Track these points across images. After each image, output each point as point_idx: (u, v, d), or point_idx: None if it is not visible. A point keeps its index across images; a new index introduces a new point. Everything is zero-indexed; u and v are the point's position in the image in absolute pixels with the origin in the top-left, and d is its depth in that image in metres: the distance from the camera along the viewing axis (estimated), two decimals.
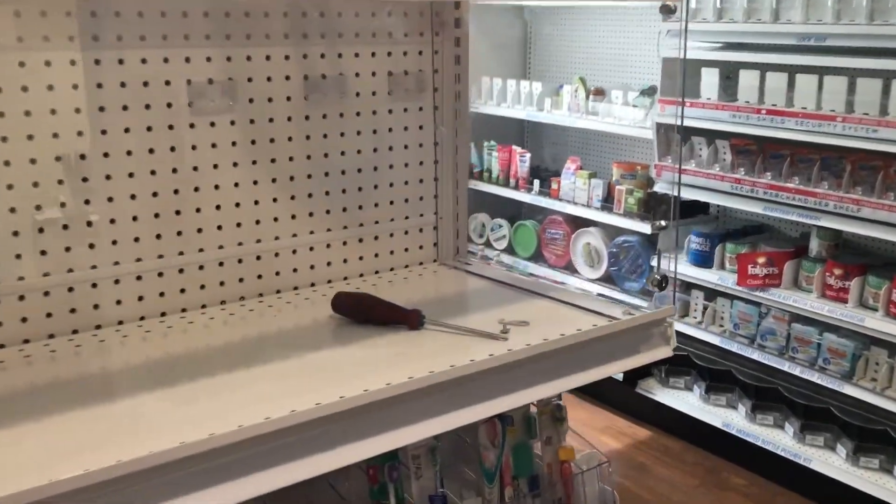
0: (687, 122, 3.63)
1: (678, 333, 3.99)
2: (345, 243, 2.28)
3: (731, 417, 3.70)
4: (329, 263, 2.25)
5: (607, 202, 4.12)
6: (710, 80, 3.54)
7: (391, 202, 2.37)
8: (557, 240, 4.45)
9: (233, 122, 2.03)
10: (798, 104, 3.28)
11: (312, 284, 2.23)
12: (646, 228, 3.93)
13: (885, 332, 3.12)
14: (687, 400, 3.86)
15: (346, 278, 2.28)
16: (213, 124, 1.99)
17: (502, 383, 1.59)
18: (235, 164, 2.05)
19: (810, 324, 3.41)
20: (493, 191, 4.71)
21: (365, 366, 1.65)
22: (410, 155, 2.40)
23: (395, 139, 2.35)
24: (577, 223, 4.35)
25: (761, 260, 3.51)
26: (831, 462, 3.35)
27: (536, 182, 4.47)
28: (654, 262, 3.93)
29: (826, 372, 3.34)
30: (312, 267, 2.22)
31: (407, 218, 2.41)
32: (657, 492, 3.52)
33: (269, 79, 2.06)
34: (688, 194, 3.75)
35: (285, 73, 2.09)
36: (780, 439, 3.52)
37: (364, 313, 1.90)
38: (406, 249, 2.43)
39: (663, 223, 3.45)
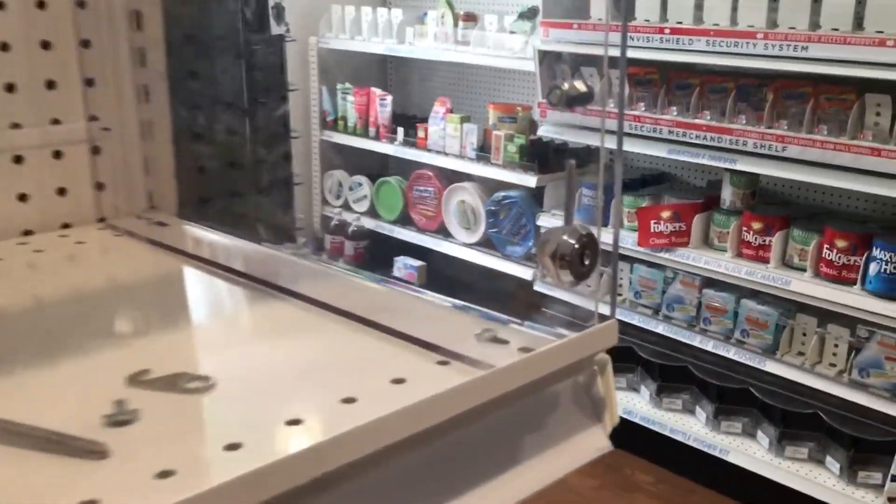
0: (574, 49, 2.97)
1: (560, 304, 3.39)
2: None
3: (632, 403, 3.11)
4: None
5: (483, 151, 3.44)
6: None
7: None
8: (427, 198, 3.75)
9: None
10: (709, 20, 2.67)
11: None
12: (529, 181, 3.28)
13: (815, 297, 2.58)
14: None
15: None
16: None
17: None
18: None
19: (725, 289, 2.84)
20: (349, 142, 3.96)
21: None
22: None
23: None
24: (450, 178, 3.65)
25: (666, 214, 2.91)
26: (751, 452, 2.81)
27: (400, 130, 3.74)
28: (539, 222, 3.29)
29: (744, 346, 2.79)
30: None
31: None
32: (549, 499, 2.89)
33: None
34: (576, 138, 3.11)
35: None
36: (690, 427, 2.96)
37: None
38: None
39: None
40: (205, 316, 0.98)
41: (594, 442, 0.83)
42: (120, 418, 0.69)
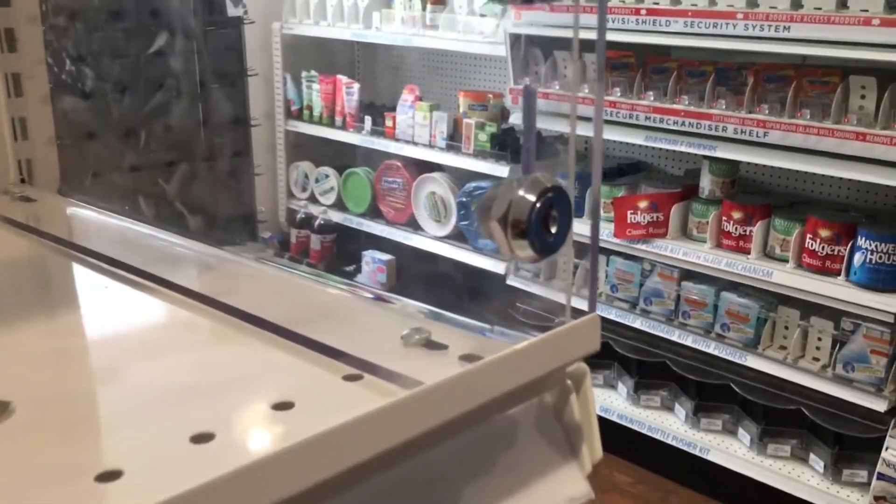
0: (546, 32, 2.84)
1: (535, 299, 3.25)
2: None
3: (609, 400, 2.99)
4: None
5: (454, 140, 3.30)
6: None
7: None
8: (396, 189, 3.60)
9: None
10: (686, 1, 2.54)
11: None
12: (502, 171, 3.15)
13: (797, 288, 2.47)
14: None
15: None
16: None
17: None
18: None
19: (704, 281, 2.73)
20: (315, 132, 3.80)
21: None
22: None
23: None
24: (420, 168, 3.51)
25: (643, 204, 2.79)
26: (732, 451, 2.71)
27: (368, 119, 3.59)
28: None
29: (724, 340, 2.67)
30: None
31: None
32: None
33: None
34: (551, 125, 2.98)
35: None
36: (669, 425, 2.85)
37: None
38: None
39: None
40: (43, 319, 0.74)
41: (568, 487, 0.59)
42: None
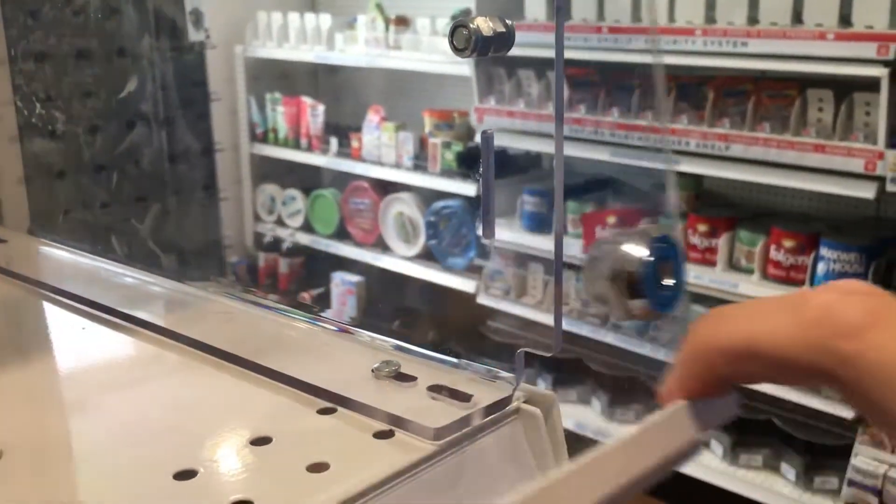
0: (511, 51, 2.85)
1: (506, 317, 3.27)
2: None
3: (584, 416, 3.00)
4: None
5: (420, 160, 3.31)
6: None
7: None
8: (363, 210, 3.59)
9: None
10: (647, 18, 2.58)
11: None
12: (468, 190, 3.16)
13: None
14: None
15: None
16: None
17: None
18: None
19: None
20: (281, 155, 3.78)
21: None
22: None
23: None
24: (387, 188, 3.50)
25: (611, 220, 2.81)
26: (705, 462, 2.72)
27: (333, 141, 3.59)
28: (480, 232, 3.16)
29: None
30: None
31: None
32: None
33: None
34: (517, 143, 3.01)
35: None
36: None
37: None
38: None
39: None
40: (13, 360, 0.73)
41: None
42: None
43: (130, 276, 0.88)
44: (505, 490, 0.62)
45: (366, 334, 0.71)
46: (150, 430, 0.58)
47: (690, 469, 2.71)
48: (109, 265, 0.91)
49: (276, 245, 3.89)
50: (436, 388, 0.60)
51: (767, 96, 2.48)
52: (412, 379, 0.62)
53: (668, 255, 0.54)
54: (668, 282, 0.53)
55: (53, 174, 1.21)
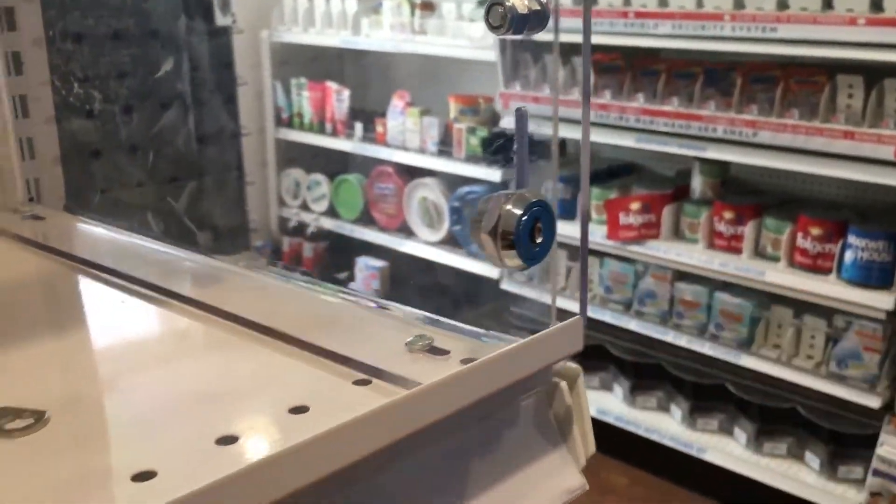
0: (537, 36, 2.84)
1: (532, 304, 3.26)
2: None
3: (606, 402, 3.00)
4: None
5: (445, 146, 3.31)
6: None
7: None
8: (388, 196, 3.61)
9: None
10: (674, 3, 2.56)
11: None
12: (494, 175, 3.16)
13: (790, 288, 2.49)
14: None
15: None
16: None
17: None
18: None
19: (697, 282, 2.75)
20: (306, 139, 3.80)
21: None
22: None
23: None
24: (411, 174, 3.51)
25: (635, 206, 2.80)
26: (729, 450, 2.72)
27: (358, 126, 3.60)
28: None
29: (719, 340, 2.69)
30: None
31: None
32: None
33: None
34: (541, 128, 3.00)
35: None
36: (666, 426, 2.86)
37: None
38: None
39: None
40: (66, 331, 0.76)
41: (563, 480, 0.63)
42: None
43: (166, 251, 0.90)
44: (531, 458, 0.64)
45: (399, 308, 0.72)
46: (192, 398, 0.59)
47: (714, 457, 2.71)
48: (145, 241, 0.92)
49: (300, 229, 3.91)
50: (468, 362, 0.61)
51: (796, 82, 2.45)
52: (445, 352, 0.64)
53: (540, 217, 0.62)
54: (539, 239, 0.62)
55: (89, 154, 1.24)
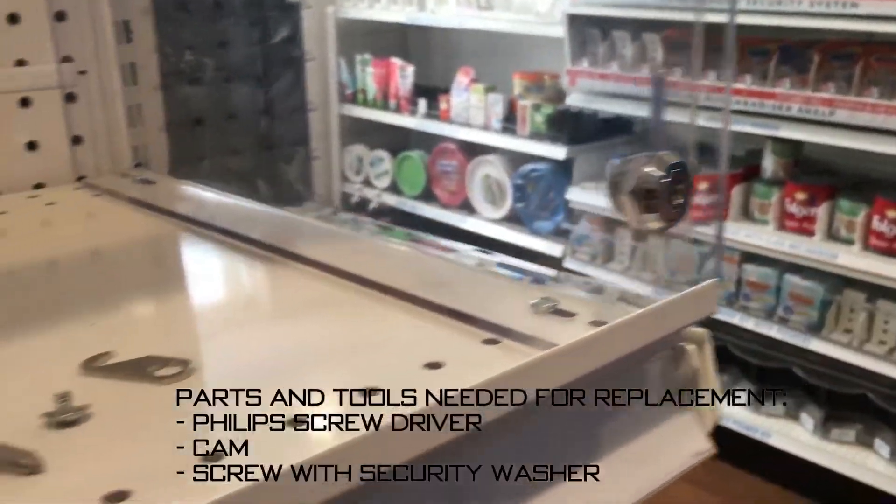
0: (605, 11, 2.82)
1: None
2: None
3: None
4: None
5: (509, 122, 3.30)
6: None
7: None
8: (450, 173, 3.61)
9: None
10: None
11: None
12: (558, 153, 3.14)
13: (864, 271, 2.43)
14: None
15: None
16: None
17: None
18: None
19: (767, 264, 2.70)
20: (369, 116, 3.82)
21: None
22: None
23: None
24: (474, 151, 3.51)
25: (703, 186, 2.76)
26: (795, 435, 2.68)
27: (422, 102, 3.60)
28: (569, 196, 3.15)
29: (787, 324, 2.64)
30: None
31: None
32: None
33: None
34: (609, 107, 2.97)
35: None
36: (731, 410, 2.83)
37: None
38: None
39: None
40: (193, 288, 0.80)
41: (690, 445, 0.66)
42: (64, 418, 0.53)
43: (275, 213, 0.92)
44: (658, 421, 0.64)
45: (530, 269, 0.73)
46: (330, 351, 0.61)
47: (780, 442, 2.67)
48: (251, 204, 0.95)
49: (362, 205, 3.95)
50: (598, 324, 0.62)
51: (876, 60, 2.38)
52: (571, 315, 0.64)
53: (681, 180, 0.61)
54: (678, 201, 0.61)
55: (192, 122, 1.28)
